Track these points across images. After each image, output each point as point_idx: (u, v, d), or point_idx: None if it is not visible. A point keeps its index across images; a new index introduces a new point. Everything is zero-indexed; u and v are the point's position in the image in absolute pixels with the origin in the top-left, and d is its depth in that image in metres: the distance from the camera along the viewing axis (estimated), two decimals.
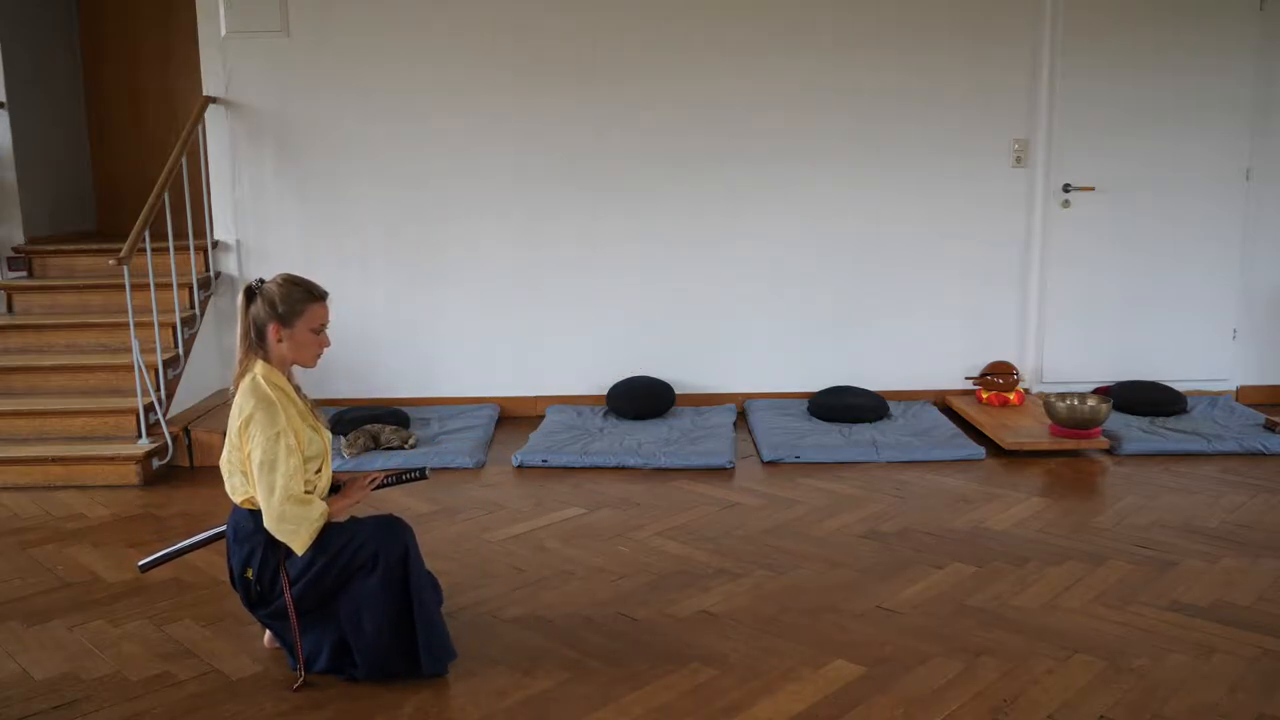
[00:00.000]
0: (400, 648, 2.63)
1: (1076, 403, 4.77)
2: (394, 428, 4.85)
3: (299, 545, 2.58)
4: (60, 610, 3.17)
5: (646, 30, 5.31)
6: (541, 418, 5.44)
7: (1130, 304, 5.55)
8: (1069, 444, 4.67)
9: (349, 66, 5.33)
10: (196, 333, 5.25)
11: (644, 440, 4.85)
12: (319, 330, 2.70)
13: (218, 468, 2.76)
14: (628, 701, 2.57)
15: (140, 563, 2.95)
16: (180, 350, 5.03)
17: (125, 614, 3.13)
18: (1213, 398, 5.46)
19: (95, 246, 5.51)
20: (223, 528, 2.80)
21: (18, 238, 5.59)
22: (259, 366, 2.65)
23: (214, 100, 5.33)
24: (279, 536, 2.58)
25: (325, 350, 2.75)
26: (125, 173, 6.27)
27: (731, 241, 5.49)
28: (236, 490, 2.67)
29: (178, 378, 5.01)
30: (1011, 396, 5.25)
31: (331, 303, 2.74)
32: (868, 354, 5.57)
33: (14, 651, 2.90)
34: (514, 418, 5.53)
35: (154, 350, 4.75)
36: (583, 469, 4.57)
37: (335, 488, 2.85)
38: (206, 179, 5.42)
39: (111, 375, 4.86)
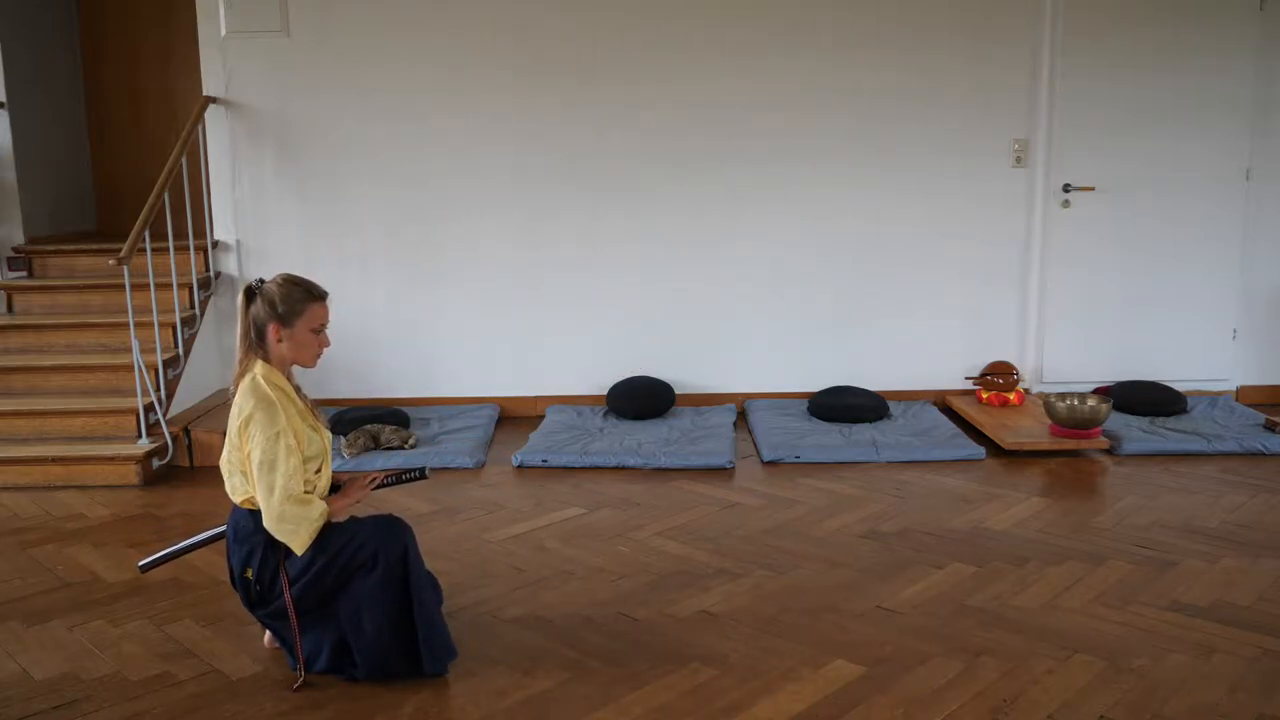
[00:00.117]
0: (400, 647, 2.63)
1: (1076, 403, 4.77)
2: (394, 428, 4.85)
3: (298, 545, 2.58)
4: (60, 610, 3.17)
5: (646, 30, 5.31)
6: (541, 418, 5.44)
7: (1130, 304, 5.55)
8: (1069, 444, 4.67)
9: (349, 66, 5.33)
10: (196, 333, 5.25)
11: (644, 440, 4.85)
12: (319, 330, 2.70)
13: (218, 468, 2.76)
14: (628, 701, 2.57)
15: (140, 563, 2.95)
16: (180, 350, 5.03)
17: (125, 614, 3.13)
18: (1213, 398, 5.46)
19: (95, 246, 5.51)
20: (223, 528, 2.80)
21: (18, 238, 5.59)
22: (259, 366, 2.65)
23: (214, 100, 5.33)
24: (278, 536, 2.58)
25: (325, 350, 2.75)
26: (125, 173, 6.27)
27: (731, 241, 5.49)
28: (236, 490, 2.67)
29: (178, 378, 5.01)
30: (1011, 396, 5.25)
31: (331, 303, 2.74)
32: (868, 354, 5.57)
33: (14, 651, 2.90)
34: (514, 418, 5.53)
35: (154, 350, 4.75)
36: (583, 469, 4.57)
37: (335, 488, 2.84)
38: (206, 179, 5.42)
39: (111, 375, 4.86)
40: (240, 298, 2.68)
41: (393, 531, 2.64)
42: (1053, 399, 4.79)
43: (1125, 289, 5.53)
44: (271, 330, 2.64)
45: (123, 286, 4.71)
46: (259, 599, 2.68)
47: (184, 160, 4.95)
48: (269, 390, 2.60)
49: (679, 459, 4.57)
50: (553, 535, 3.76)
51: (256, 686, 2.68)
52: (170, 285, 4.96)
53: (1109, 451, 4.71)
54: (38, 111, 5.79)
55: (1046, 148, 5.39)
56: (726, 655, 2.80)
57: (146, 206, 4.68)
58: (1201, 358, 5.60)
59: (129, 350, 4.70)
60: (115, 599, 3.24)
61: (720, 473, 4.50)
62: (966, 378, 5.50)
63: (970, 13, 5.29)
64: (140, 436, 4.63)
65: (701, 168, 5.42)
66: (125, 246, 4.53)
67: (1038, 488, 4.25)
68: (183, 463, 4.72)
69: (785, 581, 3.31)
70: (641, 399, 5.32)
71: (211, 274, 5.46)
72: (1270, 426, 4.93)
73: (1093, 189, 5.42)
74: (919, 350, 5.58)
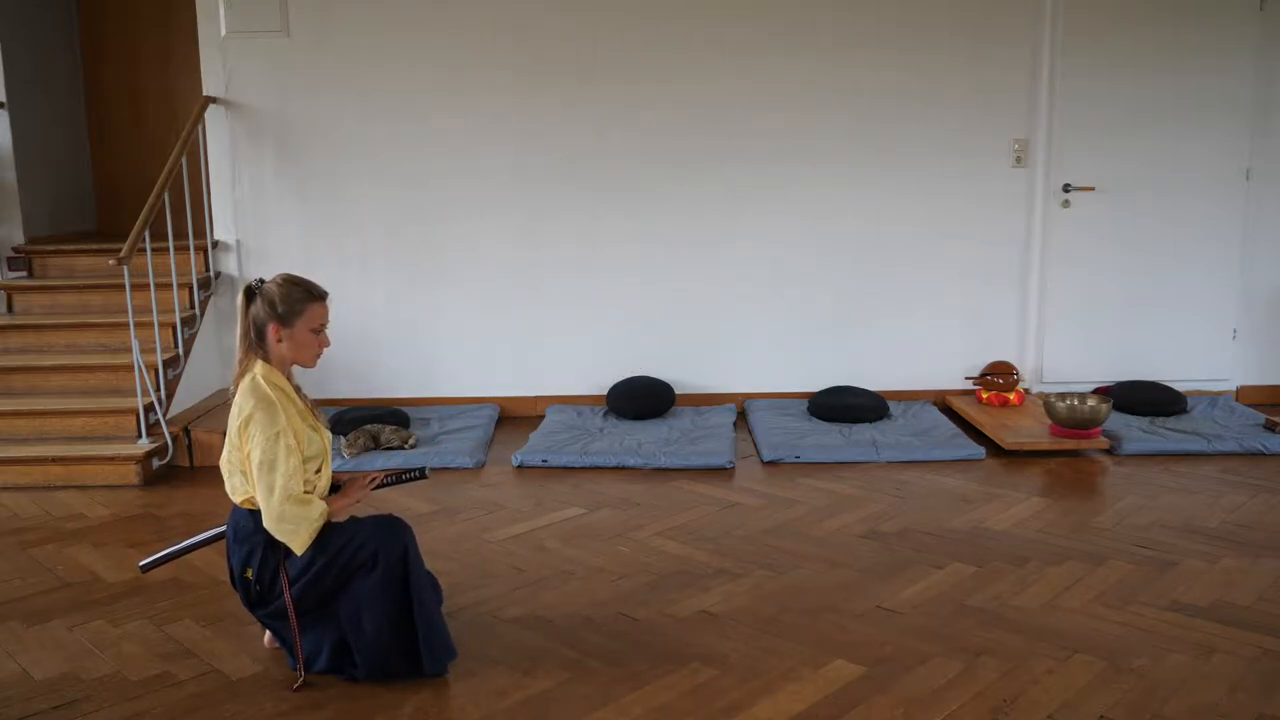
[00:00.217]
0: (400, 647, 2.63)
1: (1076, 403, 4.77)
2: (394, 428, 4.85)
3: (298, 545, 2.58)
4: (60, 610, 3.17)
5: (646, 30, 5.31)
6: (541, 418, 5.44)
7: (1130, 304, 5.55)
8: (1069, 444, 4.67)
9: (349, 66, 5.33)
10: (196, 333, 5.25)
11: (644, 440, 4.85)
12: (319, 330, 2.70)
13: (218, 468, 2.76)
14: (628, 701, 2.57)
15: (141, 563, 2.95)
16: (180, 350, 5.03)
17: (125, 614, 3.13)
18: (1213, 398, 5.46)
19: (95, 246, 5.51)
20: (223, 528, 2.80)
21: (18, 238, 5.59)
22: (259, 366, 2.65)
23: (214, 100, 5.33)
24: (278, 536, 2.58)
25: (325, 350, 2.75)
26: (125, 173, 6.27)
27: (731, 241, 5.49)
28: (236, 490, 2.67)
29: (178, 378, 5.01)
30: (1011, 396, 5.25)
31: (331, 303, 2.74)
32: (868, 354, 5.57)
33: (14, 651, 2.90)
34: (514, 418, 5.53)
35: (154, 350, 4.75)
36: (583, 469, 4.57)
37: (335, 488, 2.84)
38: (206, 179, 5.42)
39: (111, 375, 4.86)
40: (240, 298, 2.68)
41: (393, 531, 2.64)
42: (1053, 399, 4.79)
43: (1125, 289, 5.53)
44: (271, 330, 2.64)
45: (123, 286, 4.71)
46: (259, 599, 2.68)
47: (184, 160, 4.95)
48: (269, 390, 2.60)
49: (679, 459, 4.57)
50: (553, 535, 3.76)
51: (256, 686, 2.68)
52: (170, 285, 4.96)
53: (1109, 451, 4.71)
54: (38, 111, 5.79)
55: (1046, 148, 5.39)
56: (726, 655, 2.80)
57: (146, 206, 4.68)
58: (1201, 358, 5.60)
59: (129, 350, 4.70)
60: (115, 599, 3.24)
61: (720, 473, 4.50)
62: (966, 378, 5.50)
63: (970, 13, 5.29)
64: (140, 436, 4.63)
65: (701, 168, 5.42)
66: (125, 246, 4.53)
67: (1038, 488, 4.25)
68: (183, 463, 4.72)
69: (785, 581, 3.31)
70: (641, 399, 5.32)
71: (211, 274, 5.46)
72: (1270, 426, 4.93)
73: (1093, 189, 5.42)
74: (919, 350, 5.58)
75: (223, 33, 5.29)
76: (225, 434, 2.67)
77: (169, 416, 4.84)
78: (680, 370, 5.57)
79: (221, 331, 5.40)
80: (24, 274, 5.49)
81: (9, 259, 5.52)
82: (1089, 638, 2.87)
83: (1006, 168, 5.44)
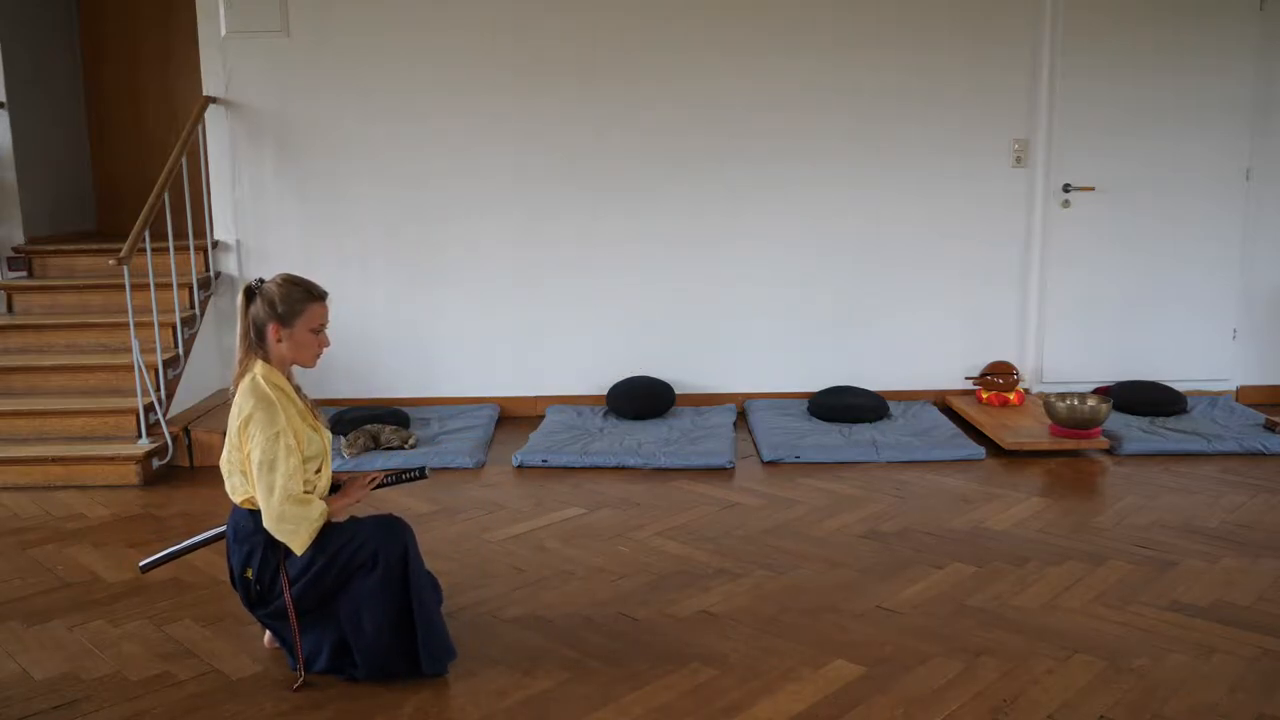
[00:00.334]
0: (400, 647, 2.63)
1: (1076, 403, 4.77)
2: (394, 428, 4.85)
3: (298, 545, 2.58)
4: (60, 610, 3.17)
5: (646, 30, 5.31)
6: (541, 418, 5.44)
7: (1130, 304, 5.55)
8: (1069, 444, 4.67)
9: (349, 66, 5.33)
10: (196, 333, 5.25)
11: (644, 440, 4.85)
12: (319, 330, 2.70)
13: (218, 468, 2.76)
14: (628, 701, 2.57)
15: (141, 563, 2.95)
16: (180, 350, 5.03)
17: (125, 614, 3.13)
18: (1213, 398, 5.46)
19: (95, 246, 5.51)
20: (223, 528, 2.80)
21: (18, 238, 5.59)
22: (259, 366, 2.65)
23: (214, 100, 5.33)
24: (278, 536, 2.58)
25: (325, 350, 2.75)
26: (125, 173, 6.27)
27: (731, 241, 5.49)
28: (236, 490, 2.67)
29: (178, 378, 5.01)
30: (1011, 396, 5.25)
31: (331, 303, 2.74)
32: (868, 354, 5.57)
33: (14, 651, 2.90)
34: (514, 418, 5.53)
35: (154, 350, 4.75)
36: (583, 469, 4.57)
37: (335, 488, 2.85)
38: (206, 179, 5.42)
39: (111, 375, 4.86)
40: (240, 298, 2.68)
41: (393, 531, 2.64)
42: (1053, 399, 4.79)
43: (1125, 289, 5.53)
44: (271, 330, 2.64)
45: (123, 286, 4.71)
46: (259, 599, 2.68)
47: (184, 160, 4.95)
48: (269, 390, 2.60)
49: (679, 459, 4.57)
50: (553, 535, 3.76)
51: (256, 686, 2.68)
52: (170, 285, 4.96)
53: (1109, 451, 4.71)
54: (38, 111, 5.79)
55: (1046, 148, 5.39)
56: (726, 655, 2.80)
57: (146, 206, 4.68)
58: (1201, 358, 5.60)
59: (129, 350, 4.70)
60: (115, 599, 3.24)
61: (720, 473, 4.50)
62: (966, 378, 5.50)
63: (970, 13, 5.29)
64: (140, 436, 4.63)
65: (701, 168, 5.42)
66: (125, 246, 4.53)
67: (1038, 488, 4.25)
68: (183, 463, 4.72)
69: (785, 581, 3.31)
70: (641, 399, 5.32)
71: (211, 274, 5.46)
72: (1270, 426, 4.93)
73: (1093, 189, 5.42)
74: (919, 350, 5.58)
75: (223, 33, 5.29)
76: (225, 434, 2.67)
77: (169, 416, 4.84)
78: (680, 370, 5.57)
79: (221, 331, 5.40)
80: (24, 274, 5.49)
81: (9, 259, 5.52)
82: (1089, 638, 2.87)
83: (1006, 168, 5.44)
